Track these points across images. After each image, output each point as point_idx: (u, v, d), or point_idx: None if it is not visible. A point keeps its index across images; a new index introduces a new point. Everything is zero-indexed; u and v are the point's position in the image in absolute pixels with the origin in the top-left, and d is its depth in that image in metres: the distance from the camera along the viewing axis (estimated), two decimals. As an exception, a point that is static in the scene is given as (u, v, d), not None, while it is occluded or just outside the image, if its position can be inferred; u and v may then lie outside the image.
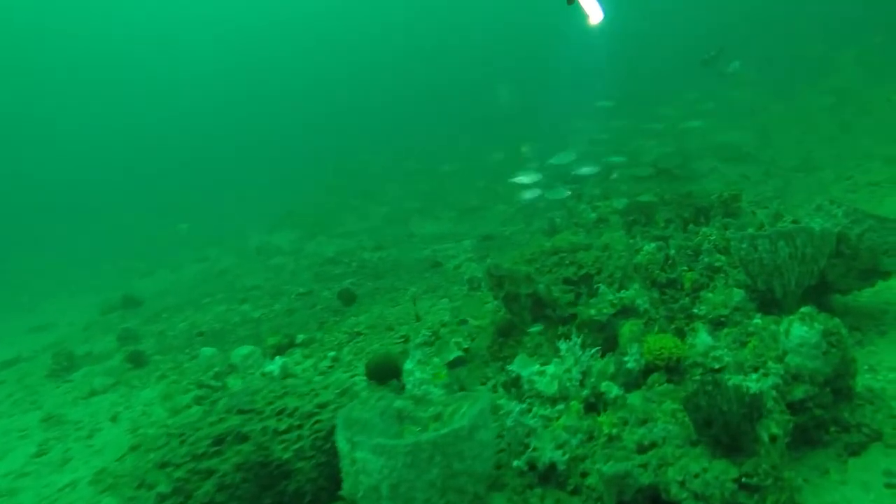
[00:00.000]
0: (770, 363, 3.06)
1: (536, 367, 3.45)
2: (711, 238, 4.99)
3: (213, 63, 46.44)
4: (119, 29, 43.96)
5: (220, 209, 25.42)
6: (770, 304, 4.21)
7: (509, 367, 3.57)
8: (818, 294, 4.25)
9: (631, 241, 6.24)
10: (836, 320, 3.04)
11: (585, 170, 10.66)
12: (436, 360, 3.83)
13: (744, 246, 4.09)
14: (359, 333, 5.64)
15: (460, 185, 16.01)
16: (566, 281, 4.72)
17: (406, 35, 45.82)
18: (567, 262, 4.92)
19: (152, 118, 43.12)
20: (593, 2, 4.73)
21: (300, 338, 5.71)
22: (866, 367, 3.68)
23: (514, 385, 3.52)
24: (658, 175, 11.50)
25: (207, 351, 5.95)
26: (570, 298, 4.50)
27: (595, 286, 4.37)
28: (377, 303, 7.48)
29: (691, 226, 5.94)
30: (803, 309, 3.10)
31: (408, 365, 3.83)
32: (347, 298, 7.56)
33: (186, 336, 7.73)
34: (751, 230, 5.20)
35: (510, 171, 10.13)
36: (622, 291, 4.25)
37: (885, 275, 4.07)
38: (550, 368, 3.42)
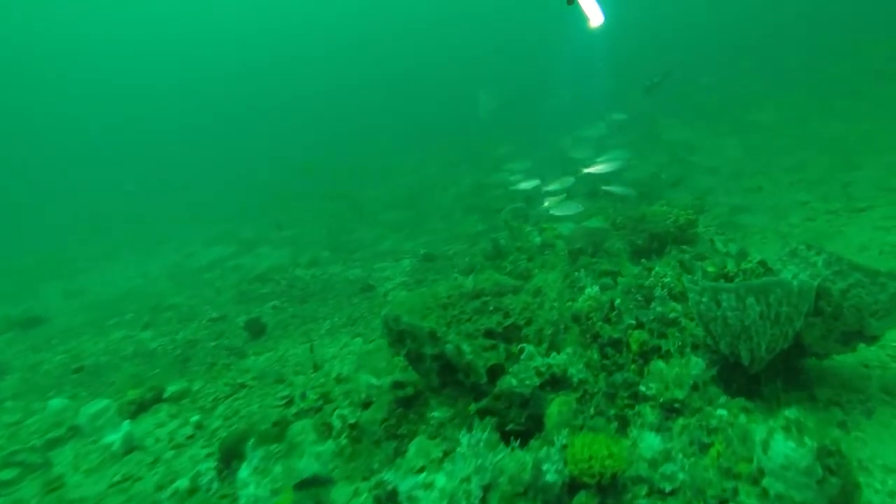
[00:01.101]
0: (742, 487, 2.10)
1: (422, 478, 2.41)
2: (665, 280, 4.07)
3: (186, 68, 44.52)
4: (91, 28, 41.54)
5: (174, 212, 23.78)
6: (734, 366, 3.31)
7: (385, 477, 2.50)
8: (789, 357, 3.37)
9: (574, 274, 5.30)
10: (835, 431, 2.10)
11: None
12: (278, 468, 2.73)
13: (704, 300, 3.16)
14: (243, 386, 4.50)
15: (427, 197, 14.93)
16: (488, 334, 3.71)
17: (392, 36, 44.72)
18: (491, 307, 3.92)
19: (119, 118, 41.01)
20: (593, 4, 4.55)
21: (171, 389, 4.52)
22: (855, 462, 2.79)
23: (389, 502, 2.47)
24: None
25: (56, 403, 4.68)
26: (491, 359, 3.48)
27: (519, 347, 3.37)
28: (289, 336, 6.33)
29: (644, 260, 5.02)
30: (787, 413, 2.16)
31: (243, 472, 2.73)
32: (255, 330, 6.38)
33: (60, 372, 6.39)
34: (710, 269, 4.32)
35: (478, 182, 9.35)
36: (552, 355, 3.26)
37: (872, 339, 3.20)
38: (440, 479, 2.39)
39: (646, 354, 3.29)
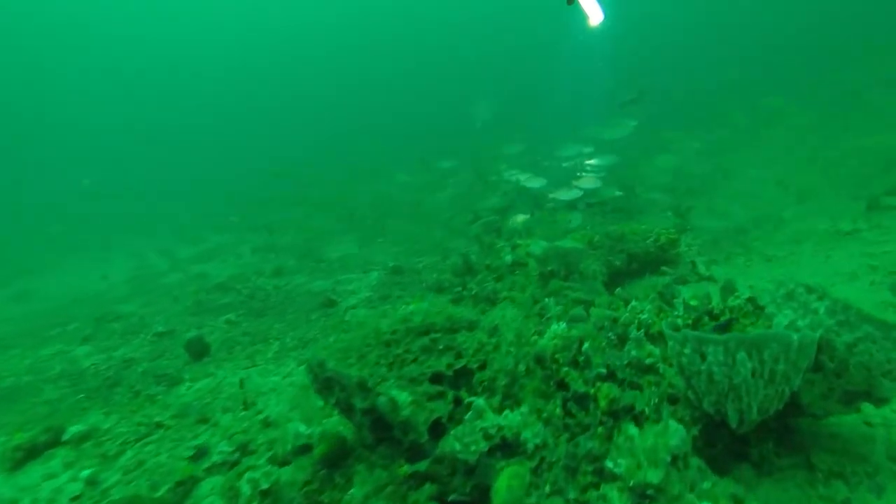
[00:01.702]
0: None
1: None
2: (642, 317, 3.54)
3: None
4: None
5: (157, 211, 22.91)
6: (720, 424, 2.79)
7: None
8: (783, 416, 2.85)
9: (545, 301, 4.75)
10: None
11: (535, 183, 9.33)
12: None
13: (686, 351, 2.62)
14: (160, 425, 3.85)
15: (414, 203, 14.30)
16: (435, 378, 3.14)
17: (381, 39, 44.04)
18: (441, 346, 3.34)
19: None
20: (593, 3, 4.50)
21: (74, 430, 3.86)
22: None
23: None
24: (591, 207, 10.25)
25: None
26: (436, 411, 2.90)
27: (468, 402, 2.80)
28: (233, 358, 5.69)
29: (619, 290, 4.48)
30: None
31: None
32: (197, 351, 5.72)
33: (-27, 395, 5.65)
34: (693, 302, 3.79)
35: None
36: (506, 413, 2.69)
37: (880, 401, 2.69)
38: None
39: (616, 414, 2.74)
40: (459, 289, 6.59)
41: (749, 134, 13.37)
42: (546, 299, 4.79)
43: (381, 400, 2.74)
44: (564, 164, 10.02)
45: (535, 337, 3.61)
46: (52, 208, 24.58)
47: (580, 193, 9.09)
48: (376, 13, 41.48)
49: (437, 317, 3.46)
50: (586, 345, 3.18)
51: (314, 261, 11.03)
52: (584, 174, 9.91)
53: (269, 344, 6.01)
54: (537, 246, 5.37)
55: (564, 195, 9.23)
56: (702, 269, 6.14)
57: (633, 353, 3.19)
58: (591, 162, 9.46)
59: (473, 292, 5.72)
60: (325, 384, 2.98)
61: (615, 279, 6.19)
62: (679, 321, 3.56)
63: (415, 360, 3.28)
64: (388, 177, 17.24)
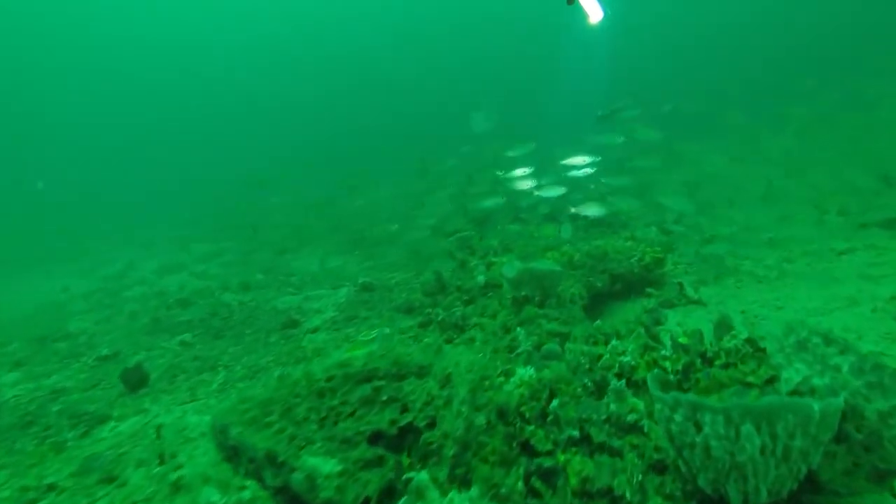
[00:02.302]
0: None
1: None
2: (624, 360, 2.99)
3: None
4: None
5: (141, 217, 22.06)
6: (718, 501, 2.23)
7: None
8: (797, 492, 2.30)
9: (516, 330, 4.19)
10: None
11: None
12: None
13: (677, 419, 2.07)
14: (52, 488, 3.20)
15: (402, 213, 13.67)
16: (374, 437, 2.56)
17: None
18: (385, 397, 2.76)
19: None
20: (593, 1, 4.42)
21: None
22: None
23: None
24: (575, 220, 9.73)
25: None
26: (371, 483, 2.32)
27: (405, 479, 2.21)
28: (174, 390, 5.05)
29: (599, 322, 3.93)
30: None
31: None
32: (133, 382, 5.06)
33: None
34: (683, 339, 3.27)
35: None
36: (452, 496, 2.12)
37: (917, 478, 2.15)
38: None
39: (589, 496, 2.17)
40: (429, 310, 6.02)
41: (748, 144, 12.99)
42: (518, 328, 4.23)
43: (296, 477, 2.15)
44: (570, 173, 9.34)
45: (501, 378, 3.04)
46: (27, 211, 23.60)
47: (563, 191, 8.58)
48: (376, 16, 41.11)
49: (381, 360, 2.88)
50: (555, 402, 2.62)
51: (285, 274, 10.38)
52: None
53: (216, 373, 5.38)
54: (511, 267, 4.81)
55: (550, 192, 8.67)
56: (689, 291, 5.62)
57: (613, 406, 2.64)
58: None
59: (440, 318, 5.14)
60: (234, 452, 2.38)
61: (597, 302, 5.65)
62: (668, 364, 3.01)
63: (352, 415, 2.70)
64: (377, 184, 16.67)
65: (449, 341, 4.90)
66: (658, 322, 5.19)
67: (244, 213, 16.80)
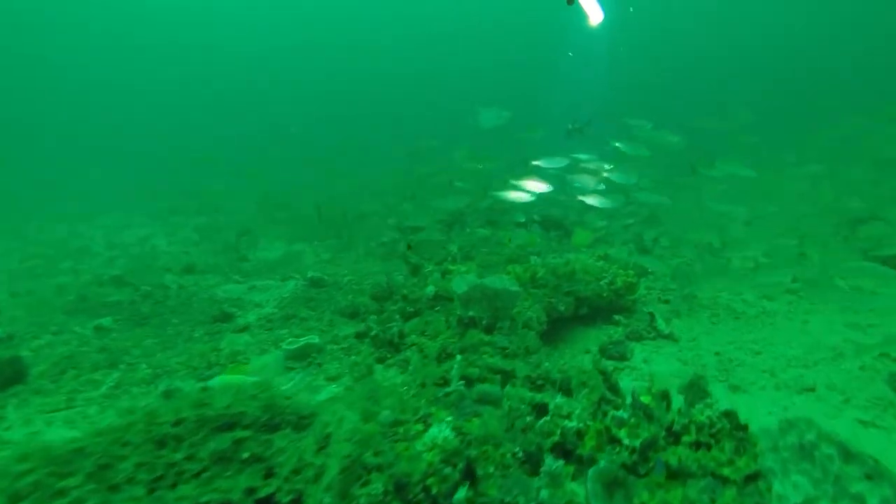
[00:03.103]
0: None
1: None
2: (569, 424, 2.34)
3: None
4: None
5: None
6: None
7: None
8: None
9: (446, 364, 3.51)
10: None
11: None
12: None
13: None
14: None
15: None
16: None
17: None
18: (246, 454, 2.06)
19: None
20: (593, 2, 4.40)
21: None
22: None
23: None
24: (544, 224, 9.10)
25: None
26: None
27: None
28: (55, 391, 4.25)
29: (547, 365, 3.26)
30: None
31: None
32: (5, 377, 4.25)
33: None
34: (646, 399, 2.66)
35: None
36: None
37: None
38: None
39: None
40: (375, 316, 5.32)
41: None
42: (458, 357, 3.53)
43: None
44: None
45: (420, 426, 2.37)
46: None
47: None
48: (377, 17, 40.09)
49: (251, 402, 2.16)
50: (478, 471, 1.93)
51: (238, 258, 9.54)
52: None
53: (113, 371, 4.58)
54: (461, 281, 4.11)
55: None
56: (661, 323, 5.00)
57: (544, 494, 1.96)
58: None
59: (373, 333, 4.42)
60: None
61: (557, 327, 5.00)
62: (623, 435, 2.36)
63: (197, 475, 1.97)
64: (362, 174, 15.87)
65: (381, 361, 4.19)
66: (623, 356, 4.56)
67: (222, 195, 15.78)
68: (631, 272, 5.47)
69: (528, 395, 2.76)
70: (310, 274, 7.38)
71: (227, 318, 6.15)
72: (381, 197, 12.73)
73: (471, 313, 4.00)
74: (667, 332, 4.92)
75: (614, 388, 2.96)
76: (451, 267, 5.59)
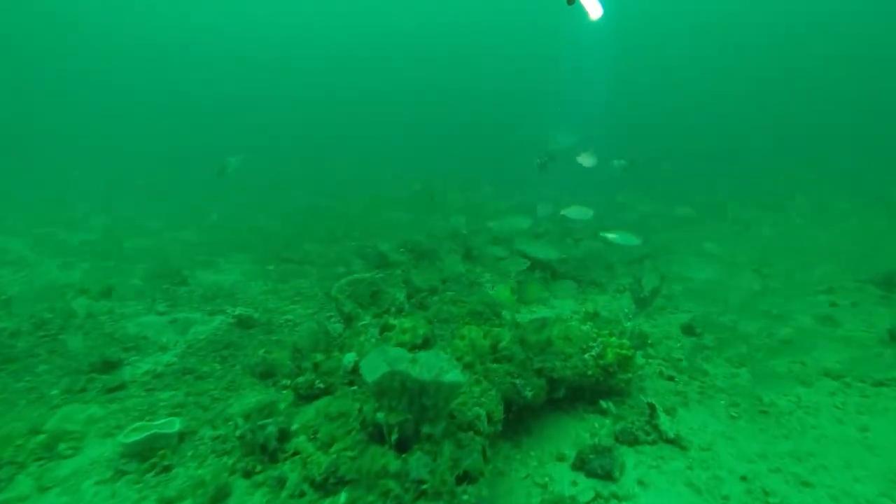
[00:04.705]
0: None
1: None
2: None
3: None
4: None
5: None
6: None
7: None
8: None
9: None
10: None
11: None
12: None
13: None
14: None
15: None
16: None
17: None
18: None
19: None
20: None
21: None
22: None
23: None
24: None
25: None
26: None
27: None
28: None
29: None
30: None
31: None
32: None
33: None
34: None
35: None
36: None
37: None
38: None
39: None
40: (288, 381, 3.92)
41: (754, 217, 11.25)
42: (342, 495, 2.11)
43: None
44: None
45: None
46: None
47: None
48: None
49: None
50: None
51: (178, 282, 8.13)
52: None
53: None
54: (374, 361, 2.71)
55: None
56: (664, 421, 3.57)
57: None
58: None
59: (240, 433, 2.98)
60: None
61: (523, 418, 3.59)
62: None
63: None
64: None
65: (248, 475, 2.76)
66: (609, 475, 3.13)
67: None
68: (626, 342, 4.07)
69: None
70: (237, 311, 5.98)
71: (109, 367, 4.73)
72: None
73: (379, 417, 2.58)
74: (672, 434, 3.50)
75: None
76: (392, 321, 4.19)
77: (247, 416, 3.00)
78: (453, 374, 2.77)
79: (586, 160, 7.55)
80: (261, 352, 4.52)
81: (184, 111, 37.24)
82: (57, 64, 38.21)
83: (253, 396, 4.06)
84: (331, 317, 4.91)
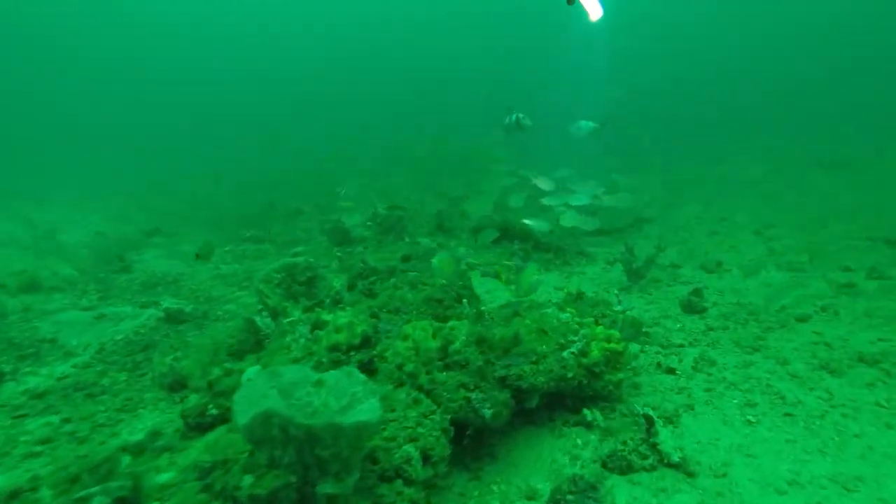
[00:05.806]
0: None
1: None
2: None
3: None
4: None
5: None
6: None
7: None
8: None
9: None
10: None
11: None
12: None
13: None
14: None
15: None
16: None
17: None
18: None
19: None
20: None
21: None
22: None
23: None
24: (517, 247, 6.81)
25: None
26: None
27: None
28: None
29: None
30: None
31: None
32: None
33: None
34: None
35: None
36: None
37: None
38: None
39: None
40: (197, 397, 3.06)
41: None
42: None
43: None
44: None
45: None
46: None
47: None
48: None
49: None
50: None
51: (118, 269, 7.19)
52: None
53: None
54: (254, 394, 1.83)
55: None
56: (665, 440, 2.73)
57: None
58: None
59: (116, 487, 2.11)
60: None
61: (484, 437, 2.75)
62: None
63: None
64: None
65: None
66: (594, 523, 2.29)
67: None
68: (616, 334, 3.20)
69: None
70: (165, 304, 5.07)
71: (43, 346, 3.86)
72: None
73: (245, 483, 1.71)
74: (676, 457, 2.66)
75: None
76: (325, 317, 3.29)
77: (72, 481, 2.10)
78: (365, 408, 1.90)
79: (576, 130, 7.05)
80: (168, 359, 3.64)
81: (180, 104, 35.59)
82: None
83: (150, 418, 3.20)
84: (261, 310, 4.05)
